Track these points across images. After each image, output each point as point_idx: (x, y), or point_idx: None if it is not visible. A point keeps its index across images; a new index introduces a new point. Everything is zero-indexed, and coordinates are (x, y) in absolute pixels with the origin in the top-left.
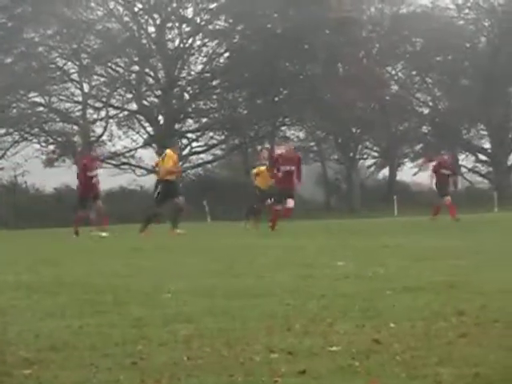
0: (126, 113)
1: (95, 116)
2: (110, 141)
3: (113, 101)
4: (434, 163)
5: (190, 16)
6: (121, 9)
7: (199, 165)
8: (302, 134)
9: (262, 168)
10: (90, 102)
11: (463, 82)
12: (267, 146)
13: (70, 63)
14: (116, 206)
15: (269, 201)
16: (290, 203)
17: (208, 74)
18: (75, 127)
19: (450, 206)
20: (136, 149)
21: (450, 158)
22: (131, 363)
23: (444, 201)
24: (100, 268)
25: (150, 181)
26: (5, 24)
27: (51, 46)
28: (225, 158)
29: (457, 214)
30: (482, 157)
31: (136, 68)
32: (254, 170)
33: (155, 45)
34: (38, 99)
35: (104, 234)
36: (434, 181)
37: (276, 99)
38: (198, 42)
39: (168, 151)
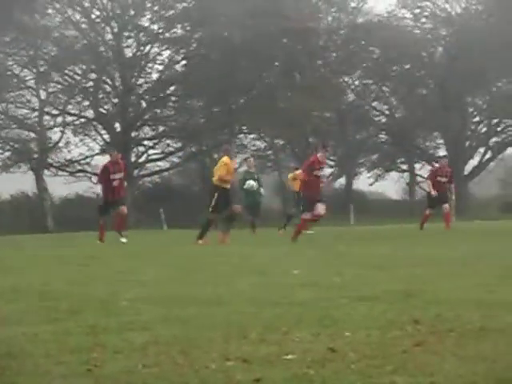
0: (82, 120)
1: (52, 123)
2: (66, 148)
3: (69, 108)
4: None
5: (146, 24)
6: (78, 16)
7: (156, 172)
8: (259, 143)
9: (298, 172)
10: (46, 109)
11: (420, 91)
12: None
13: (26, 70)
14: (72, 214)
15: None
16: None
17: (165, 82)
18: (32, 134)
19: (447, 215)
20: (92, 156)
21: (446, 165)
22: (86, 370)
23: (443, 209)
24: (56, 275)
25: None
26: None
27: (7, 52)
28: (182, 165)
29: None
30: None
31: (93, 75)
32: (290, 175)
33: (112, 52)
34: None
35: (124, 240)
36: (432, 188)
37: (233, 107)
38: (155, 50)
39: (224, 158)
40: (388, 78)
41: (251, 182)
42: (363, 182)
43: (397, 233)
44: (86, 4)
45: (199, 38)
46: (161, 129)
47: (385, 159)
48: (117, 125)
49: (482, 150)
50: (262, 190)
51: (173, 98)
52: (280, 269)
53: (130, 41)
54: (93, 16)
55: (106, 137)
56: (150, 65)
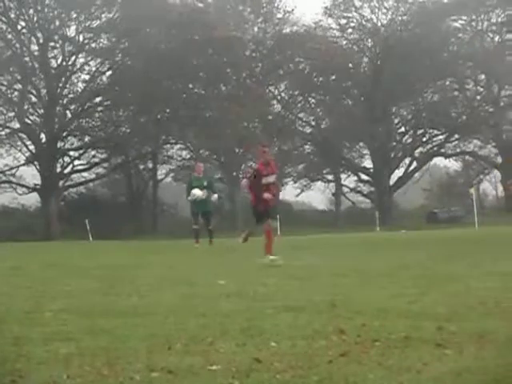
0: (7, 131)
1: None
2: None
3: None
4: None
5: (72, 34)
6: (4, 26)
7: (81, 183)
8: (185, 153)
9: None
10: None
11: (346, 101)
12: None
13: None
14: None
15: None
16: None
17: (91, 92)
18: None
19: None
20: (18, 167)
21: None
22: (10, 381)
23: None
24: None
25: (31, 199)
26: None
27: None
28: (107, 176)
29: None
30: (364, 176)
31: (18, 86)
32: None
33: (38, 63)
34: None
35: (273, 258)
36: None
37: (159, 117)
38: (81, 60)
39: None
40: (314, 88)
41: (195, 192)
42: (290, 192)
43: (321, 243)
44: (12, 15)
45: (125, 48)
46: (86, 139)
47: (311, 169)
48: (42, 135)
49: (407, 160)
50: (215, 196)
51: (99, 109)
52: (206, 279)
53: (55, 51)
54: (18, 27)
55: (32, 147)
56: (75, 75)
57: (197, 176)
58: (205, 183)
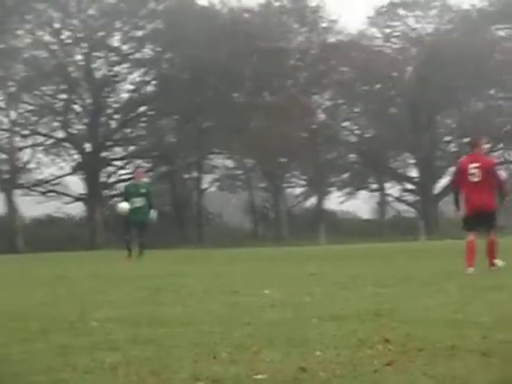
0: (52, 140)
1: (22, 143)
2: (36, 168)
3: (40, 128)
4: None
5: (117, 44)
6: (48, 37)
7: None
8: (229, 162)
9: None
10: (16, 129)
11: (391, 110)
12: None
13: None
14: (43, 234)
15: None
16: None
17: (135, 102)
18: (2, 155)
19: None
20: (63, 176)
21: None
22: None
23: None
24: (26, 296)
25: (76, 209)
26: None
27: None
28: (152, 185)
29: None
30: (409, 185)
31: (63, 96)
32: None
33: (82, 73)
34: None
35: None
36: None
37: (204, 127)
38: (126, 70)
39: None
40: (359, 97)
41: (122, 206)
42: (334, 201)
43: (366, 252)
44: (56, 25)
45: (169, 57)
46: (131, 149)
47: (355, 178)
48: (87, 145)
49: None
50: (154, 214)
51: (143, 118)
52: (251, 288)
53: (99, 61)
54: (63, 36)
55: (77, 157)
56: (120, 85)
57: (135, 182)
58: (142, 190)
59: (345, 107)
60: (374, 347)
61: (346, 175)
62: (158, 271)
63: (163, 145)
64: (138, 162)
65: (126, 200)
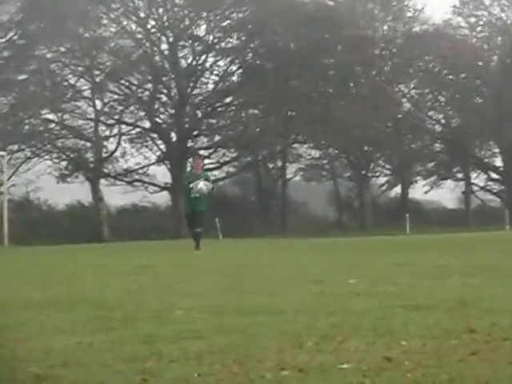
0: (138, 130)
1: (107, 133)
2: (122, 157)
3: (125, 118)
4: None
5: (202, 34)
6: (134, 26)
7: (211, 182)
8: (314, 152)
9: None
10: (102, 118)
11: (476, 100)
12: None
13: (82, 80)
14: (128, 223)
15: None
16: None
17: (220, 92)
18: (88, 144)
19: None
20: (149, 166)
21: None
22: (141, 380)
23: None
24: (111, 285)
25: (161, 198)
26: (17, 41)
27: (64, 63)
28: (237, 175)
29: None
30: (494, 175)
31: (149, 85)
32: None
33: (168, 62)
34: (50, 116)
35: None
36: None
37: (288, 117)
38: (211, 60)
39: None
40: (444, 87)
41: (201, 187)
42: (419, 190)
43: (451, 241)
44: (142, 14)
45: (254, 47)
46: (216, 138)
47: (440, 168)
48: (173, 135)
49: None
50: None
51: (228, 108)
52: (336, 278)
53: (185, 51)
54: (148, 26)
55: (163, 147)
56: (205, 75)
57: (194, 172)
58: (201, 183)
59: (430, 96)
60: (459, 337)
61: (430, 164)
62: (242, 260)
63: (248, 134)
64: (223, 151)
65: (187, 191)
